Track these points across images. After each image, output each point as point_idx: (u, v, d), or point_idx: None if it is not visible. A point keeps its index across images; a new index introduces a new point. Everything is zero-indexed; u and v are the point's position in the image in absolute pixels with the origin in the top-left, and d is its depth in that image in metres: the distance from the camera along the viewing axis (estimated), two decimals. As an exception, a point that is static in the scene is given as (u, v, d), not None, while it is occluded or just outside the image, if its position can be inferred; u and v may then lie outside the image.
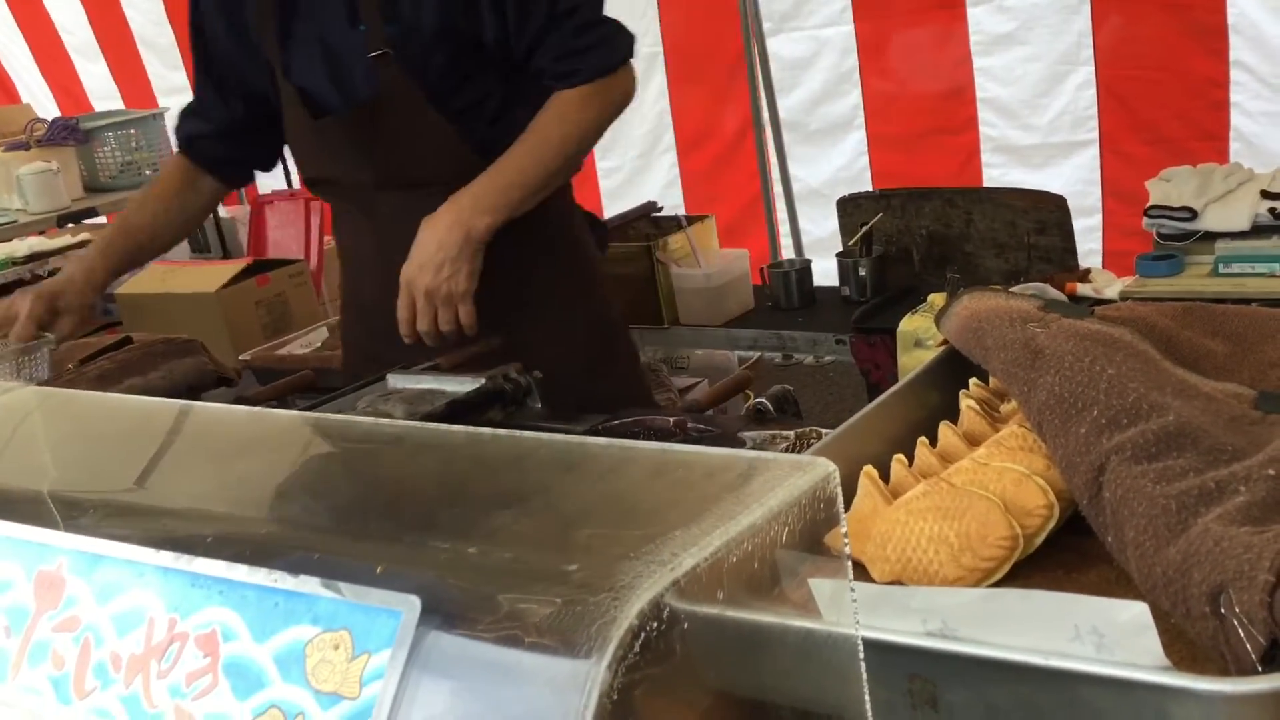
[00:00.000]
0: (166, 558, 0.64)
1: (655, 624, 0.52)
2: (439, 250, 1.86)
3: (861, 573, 0.95)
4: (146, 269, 4.62)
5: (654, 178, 5.12)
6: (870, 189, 4.46)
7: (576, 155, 1.98)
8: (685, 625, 0.54)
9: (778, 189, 4.99)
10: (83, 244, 5.76)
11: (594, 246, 2.20)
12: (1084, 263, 3.75)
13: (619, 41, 1.97)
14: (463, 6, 1.87)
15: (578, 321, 2.08)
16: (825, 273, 3.55)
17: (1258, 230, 2.61)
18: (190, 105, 2.18)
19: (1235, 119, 3.88)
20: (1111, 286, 2.65)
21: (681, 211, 4.82)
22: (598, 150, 5.15)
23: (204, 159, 2.16)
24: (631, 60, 1.97)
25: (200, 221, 2.36)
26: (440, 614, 0.54)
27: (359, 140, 1.97)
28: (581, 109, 1.93)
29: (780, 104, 4.82)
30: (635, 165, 5.15)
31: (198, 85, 2.15)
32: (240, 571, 0.60)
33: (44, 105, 6.63)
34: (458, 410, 1.65)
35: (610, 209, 5.03)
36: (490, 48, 1.90)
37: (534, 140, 1.90)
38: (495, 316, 1.95)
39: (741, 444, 1.45)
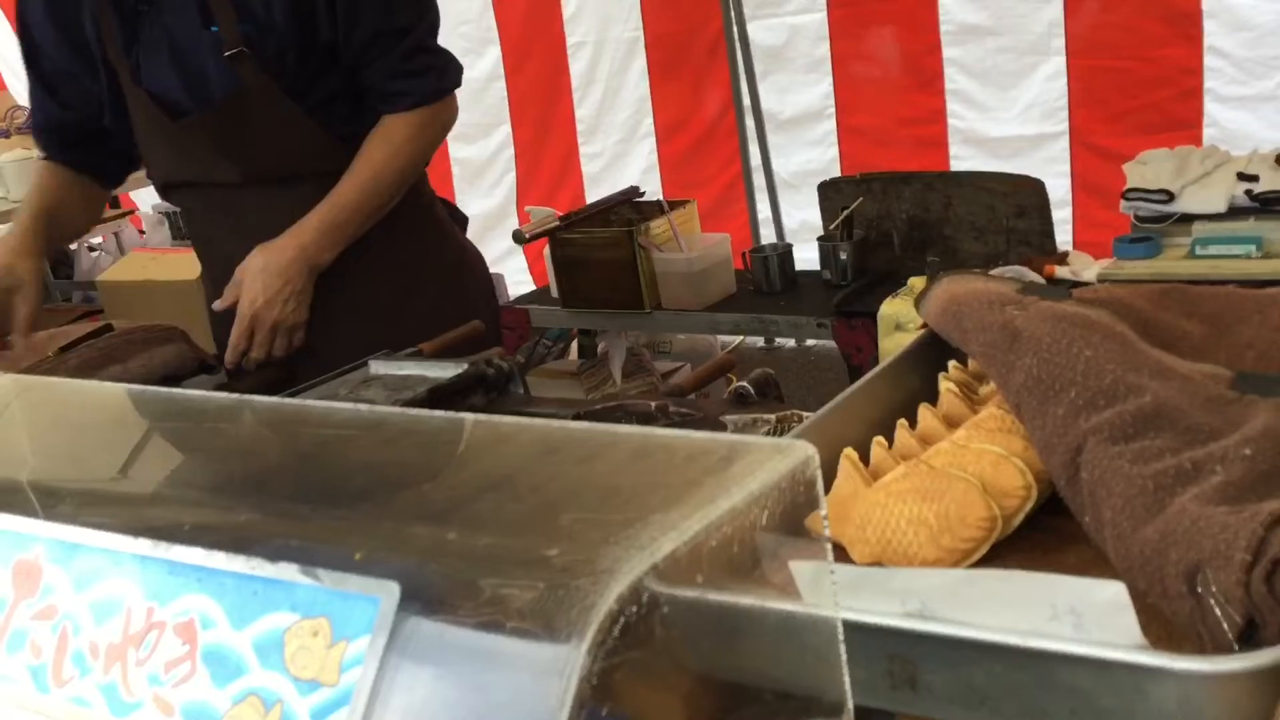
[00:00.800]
0: (144, 545, 0.63)
1: (635, 608, 0.52)
2: (285, 284, 1.93)
3: (842, 555, 0.96)
4: (128, 256, 4.61)
5: (634, 163, 5.12)
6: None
7: (406, 182, 2.03)
8: (665, 609, 0.54)
9: (758, 176, 4.99)
10: (61, 231, 5.72)
11: (457, 230, 2.28)
12: (1051, 258, 3.73)
13: (449, 70, 2.03)
14: (308, 7, 1.90)
15: (447, 304, 2.12)
16: (800, 260, 3.56)
17: (1234, 212, 2.62)
18: (36, 120, 2.16)
19: (1209, 105, 3.88)
20: (1089, 269, 2.67)
21: (660, 197, 4.84)
22: (580, 135, 5.17)
23: (72, 165, 2.15)
24: (456, 90, 2.05)
25: (98, 215, 2.39)
26: (419, 600, 0.54)
27: (223, 140, 1.97)
28: (410, 137, 1.99)
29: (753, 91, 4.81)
30: (616, 150, 5.14)
31: (39, 95, 2.12)
32: (218, 559, 0.60)
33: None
34: (440, 396, 1.65)
35: (592, 193, 5.04)
36: (326, 49, 1.94)
37: (367, 171, 1.97)
38: (373, 305, 2.05)
39: (723, 427, 1.45)
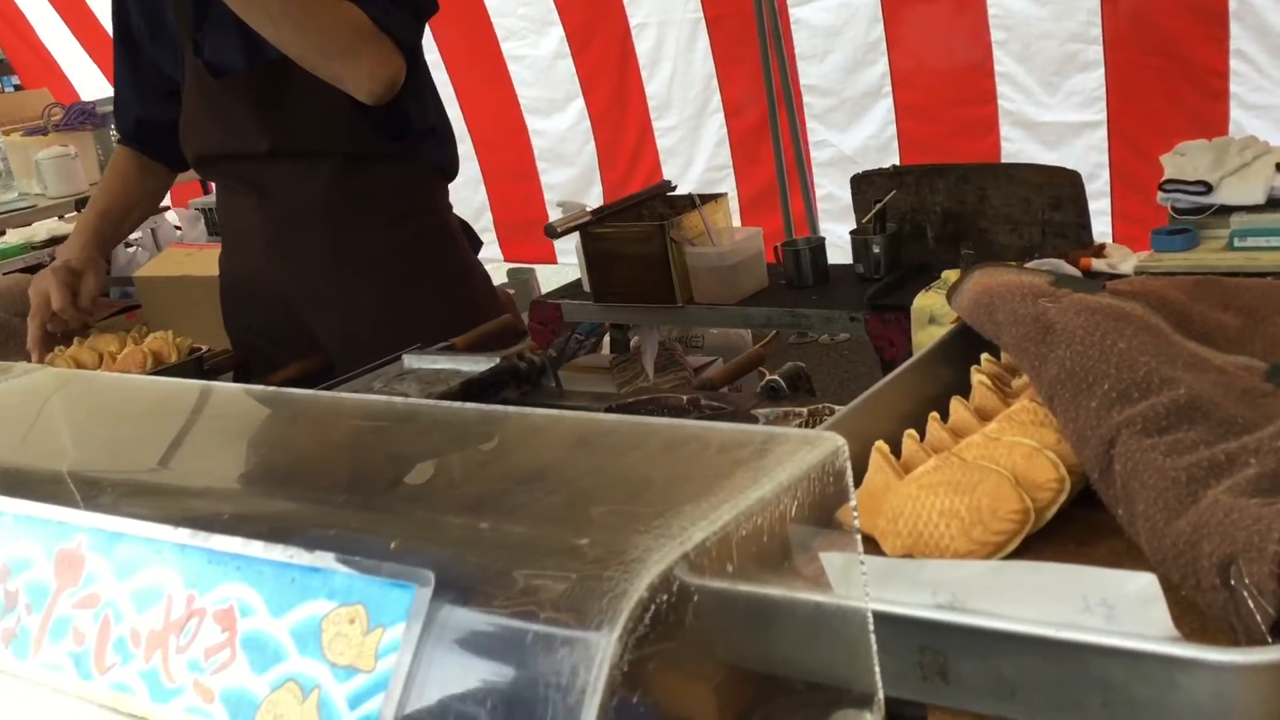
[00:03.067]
0: (184, 535, 0.64)
1: (665, 596, 0.52)
2: None
3: (873, 547, 0.96)
4: (164, 252, 4.67)
5: (706, 136, 5.30)
6: (898, 158, 4.55)
7: (304, 32, 1.87)
8: (695, 598, 0.54)
9: (801, 165, 5.06)
10: (100, 228, 5.80)
11: (468, 247, 2.31)
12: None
13: (408, 23, 1.97)
14: None
15: (450, 314, 2.13)
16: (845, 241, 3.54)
17: (1274, 203, 2.59)
18: (120, 99, 2.28)
19: (1234, 112, 3.84)
20: (1126, 261, 2.65)
21: (730, 173, 4.97)
22: (653, 111, 5.38)
23: (147, 149, 2.27)
24: (398, 45, 1.93)
25: (160, 200, 2.54)
26: (454, 588, 0.55)
27: (260, 105, 2.02)
28: (353, 25, 1.88)
29: (812, 71, 4.87)
30: (690, 125, 5.32)
31: (125, 80, 2.24)
32: (257, 548, 0.61)
33: (98, 85, 6.73)
34: (472, 390, 1.66)
35: (668, 166, 5.37)
36: None
37: None
38: (378, 307, 2.10)
39: (754, 421, 1.46)
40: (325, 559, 0.59)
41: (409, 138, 2.12)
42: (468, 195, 6.07)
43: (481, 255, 2.37)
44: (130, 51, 2.21)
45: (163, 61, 2.17)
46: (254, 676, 0.59)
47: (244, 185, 2.12)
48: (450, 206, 2.29)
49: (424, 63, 2.13)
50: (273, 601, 0.60)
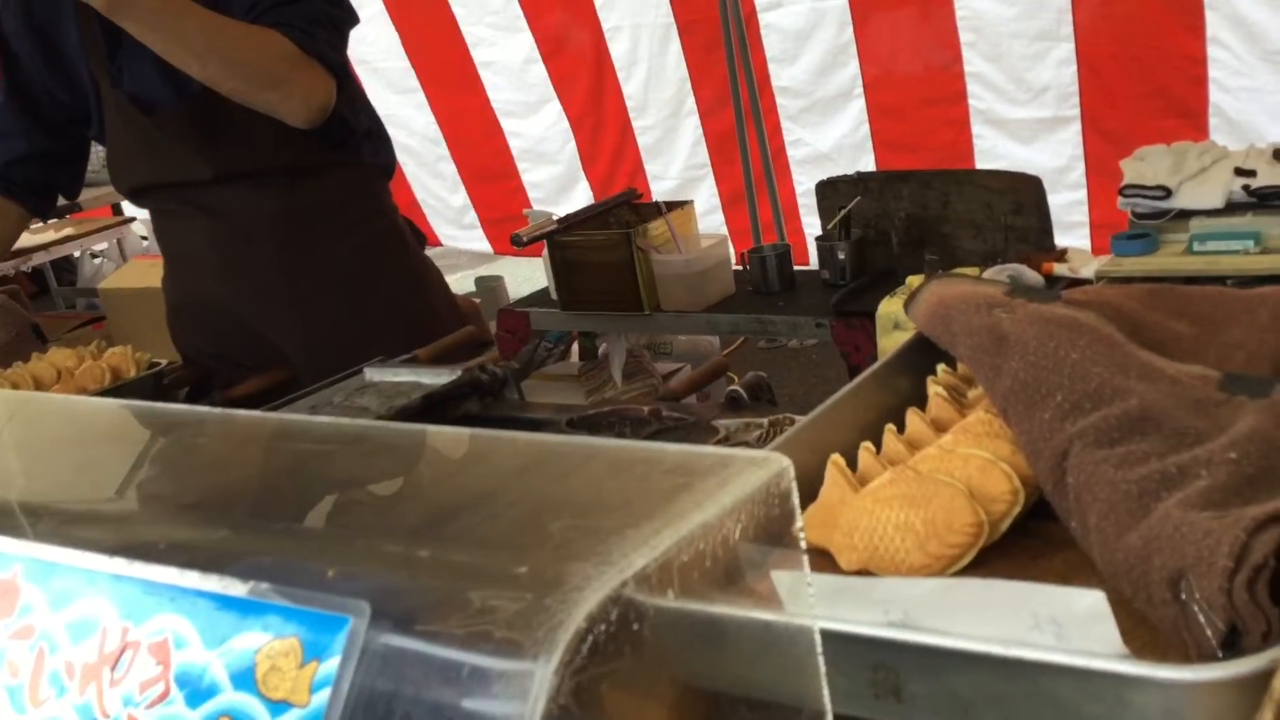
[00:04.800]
0: (119, 565, 0.63)
1: (604, 626, 0.51)
2: None
3: (830, 562, 0.96)
4: (130, 263, 4.62)
5: (684, 136, 5.38)
6: (873, 155, 4.58)
7: (228, 68, 1.83)
8: (636, 625, 0.53)
9: (769, 170, 5.09)
10: (67, 239, 5.76)
11: (416, 245, 2.32)
12: (1071, 236, 3.73)
13: (331, 48, 1.92)
14: None
15: (408, 314, 2.16)
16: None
17: (1232, 208, 2.60)
18: None
19: (1214, 95, 3.89)
20: (1088, 266, 2.65)
21: (710, 171, 4.93)
22: (631, 111, 5.46)
23: (13, 190, 2.17)
24: (327, 68, 1.90)
25: (7, 250, 2.36)
26: (390, 619, 0.54)
27: (197, 134, 1.98)
28: (276, 51, 1.84)
29: (784, 73, 4.92)
30: (667, 124, 5.41)
31: (6, 110, 2.14)
32: (191, 578, 0.60)
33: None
34: (433, 403, 1.65)
35: (650, 163, 5.48)
36: None
37: (223, 22, 1.82)
38: (338, 314, 2.10)
39: (715, 432, 1.45)
40: (260, 590, 0.58)
41: (350, 143, 2.10)
42: (446, 196, 6.10)
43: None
44: (17, 79, 2.10)
45: (59, 91, 2.07)
46: (188, 711, 0.58)
47: (189, 209, 2.08)
48: (396, 208, 2.28)
49: (351, 70, 2.11)
50: (207, 634, 0.58)
